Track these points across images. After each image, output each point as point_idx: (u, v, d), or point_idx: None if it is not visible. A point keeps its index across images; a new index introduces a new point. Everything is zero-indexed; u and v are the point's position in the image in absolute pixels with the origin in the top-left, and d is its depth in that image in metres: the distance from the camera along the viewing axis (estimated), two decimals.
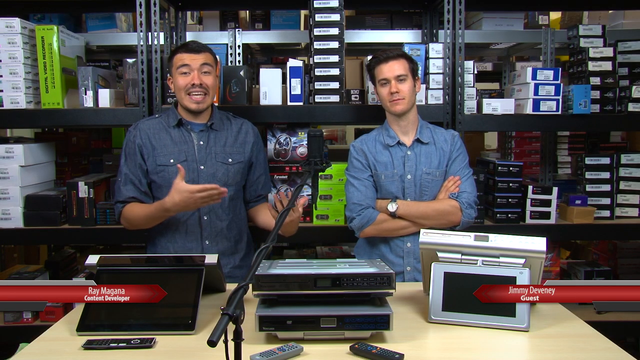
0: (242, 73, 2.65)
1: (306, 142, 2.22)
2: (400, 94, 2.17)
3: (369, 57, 2.30)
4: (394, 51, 2.21)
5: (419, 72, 2.30)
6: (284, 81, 2.69)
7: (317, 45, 2.58)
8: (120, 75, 3.12)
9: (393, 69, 2.17)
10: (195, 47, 2.16)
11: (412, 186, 2.22)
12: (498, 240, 1.65)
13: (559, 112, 2.64)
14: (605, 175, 2.84)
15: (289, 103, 2.62)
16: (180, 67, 2.13)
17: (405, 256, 2.23)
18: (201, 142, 2.20)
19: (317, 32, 2.57)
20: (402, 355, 1.39)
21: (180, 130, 2.20)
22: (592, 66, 2.78)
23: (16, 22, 2.54)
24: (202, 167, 2.18)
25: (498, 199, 2.68)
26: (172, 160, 2.15)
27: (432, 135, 2.26)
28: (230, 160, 2.22)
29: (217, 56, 2.33)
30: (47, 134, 3.40)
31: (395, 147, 2.24)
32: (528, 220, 2.71)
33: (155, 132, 2.20)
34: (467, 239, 1.67)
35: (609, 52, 2.78)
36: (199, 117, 2.22)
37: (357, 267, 1.58)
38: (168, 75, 2.25)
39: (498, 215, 2.69)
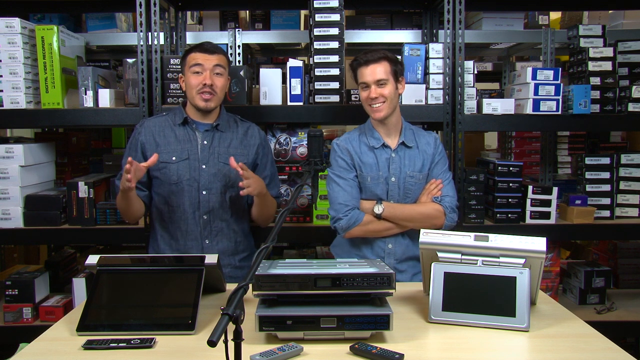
0: (242, 73, 2.65)
1: (306, 142, 2.23)
2: (379, 99, 2.15)
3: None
4: (376, 54, 2.17)
5: (405, 72, 2.22)
6: (284, 81, 2.69)
7: (317, 45, 2.58)
8: (120, 75, 3.12)
9: (374, 73, 2.14)
10: (210, 48, 2.19)
11: (395, 188, 2.22)
12: (498, 240, 1.65)
13: (559, 112, 2.64)
14: (605, 175, 2.84)
15: (289, 103, 2.62)
16: (193, 66, 2.15)
17: (386, 257, 2.23)
18: (205, 142, 2.21)
19: (317, 32, 2.57)
20: (402, 355, 1.39)
21: (185, 129, 2.22)
22: (592, 66, 2.77)
23: (16, 22, 2.54)
24: (203, 167, 2.18)
25: (498, 199, 2.68)
26: (174, 158, 2.17)
27: (415, 138, 2.26)
28: None
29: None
30: (47, 134, 3.40)
31: (380, 149, 2.23)
32: (528, 220, 2.71)
33: (160, 130, 2.22)
34: (467, 239, 1.67)
35: (609, 52, 2.78)
36: (206, 117, 2.23)
37: (357, 267, 1.58)
38: (180, 74, 2.26)
39: (498, 215, 2.69)
